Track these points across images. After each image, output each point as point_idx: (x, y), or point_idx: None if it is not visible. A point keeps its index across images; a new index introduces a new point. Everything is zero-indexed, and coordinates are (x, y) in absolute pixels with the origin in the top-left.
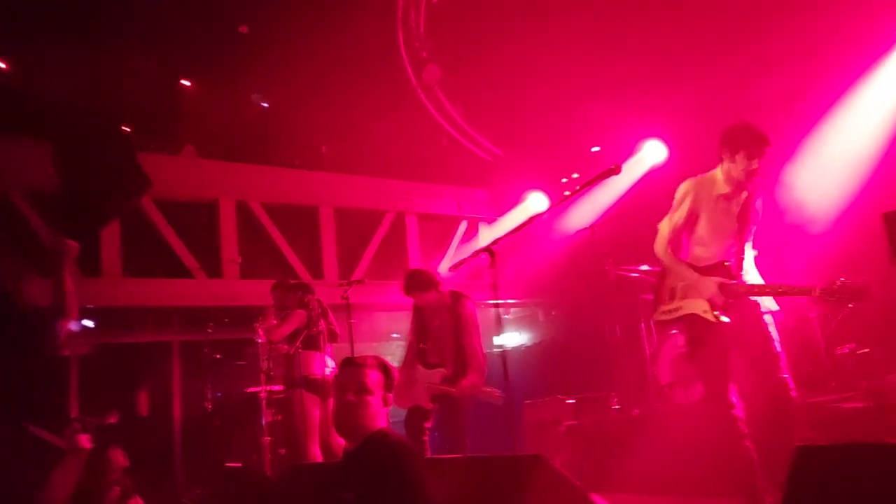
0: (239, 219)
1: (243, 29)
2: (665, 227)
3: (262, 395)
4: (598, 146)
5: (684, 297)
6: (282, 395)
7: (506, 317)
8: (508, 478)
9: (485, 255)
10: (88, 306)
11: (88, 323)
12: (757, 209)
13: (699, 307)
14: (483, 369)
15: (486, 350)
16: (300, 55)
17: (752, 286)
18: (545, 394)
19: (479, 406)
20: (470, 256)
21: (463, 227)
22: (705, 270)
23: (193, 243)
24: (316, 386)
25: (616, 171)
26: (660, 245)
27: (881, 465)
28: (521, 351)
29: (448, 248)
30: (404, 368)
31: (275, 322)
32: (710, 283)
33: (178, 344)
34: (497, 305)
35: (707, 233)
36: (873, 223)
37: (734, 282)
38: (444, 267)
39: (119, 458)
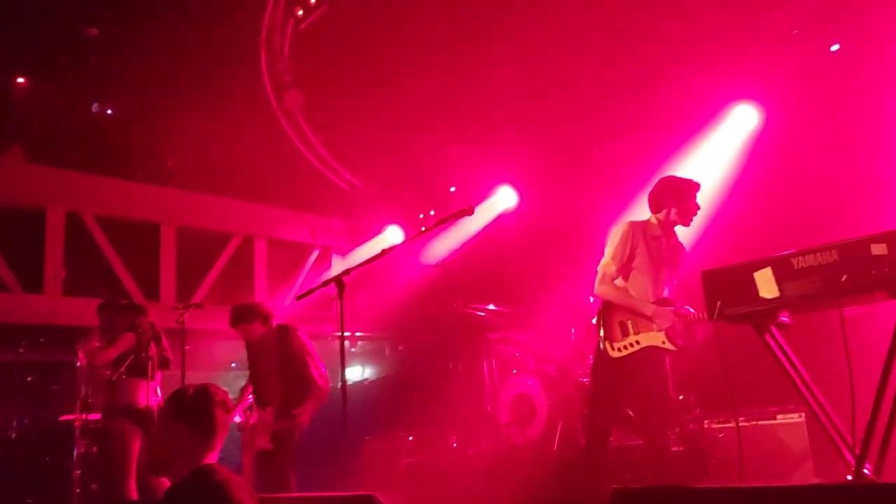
0: (68, 231)
1: (92, 31)
2: (609, 266)
3: (77, 423)
4: (455, 186)
5: (639, 331)
6: (99, 425)
7: (352, 350)
8: None
9: (333, 286)
10: None
11: None
12: (684, 250)
13: (657, 339)
14: (324, 394)
15: (327, 380)
16: (153, 64)
17: (693, 314)
18: (387, 430)
19: (316, 441)
20: (318, 287)
21: (315, 255)
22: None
23: (12, 254)
24: (139, 416)
25: (469, 212)
26: (605, 284)
27: None
28: (365, 385)
29: (298, 276)
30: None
31: (98, 344)
32: (668, 313)
33: None
34: (342, 338)
35: (646, 271)
36: (694, 279)
37: (690, 311)
38: (291, 296)
39: None
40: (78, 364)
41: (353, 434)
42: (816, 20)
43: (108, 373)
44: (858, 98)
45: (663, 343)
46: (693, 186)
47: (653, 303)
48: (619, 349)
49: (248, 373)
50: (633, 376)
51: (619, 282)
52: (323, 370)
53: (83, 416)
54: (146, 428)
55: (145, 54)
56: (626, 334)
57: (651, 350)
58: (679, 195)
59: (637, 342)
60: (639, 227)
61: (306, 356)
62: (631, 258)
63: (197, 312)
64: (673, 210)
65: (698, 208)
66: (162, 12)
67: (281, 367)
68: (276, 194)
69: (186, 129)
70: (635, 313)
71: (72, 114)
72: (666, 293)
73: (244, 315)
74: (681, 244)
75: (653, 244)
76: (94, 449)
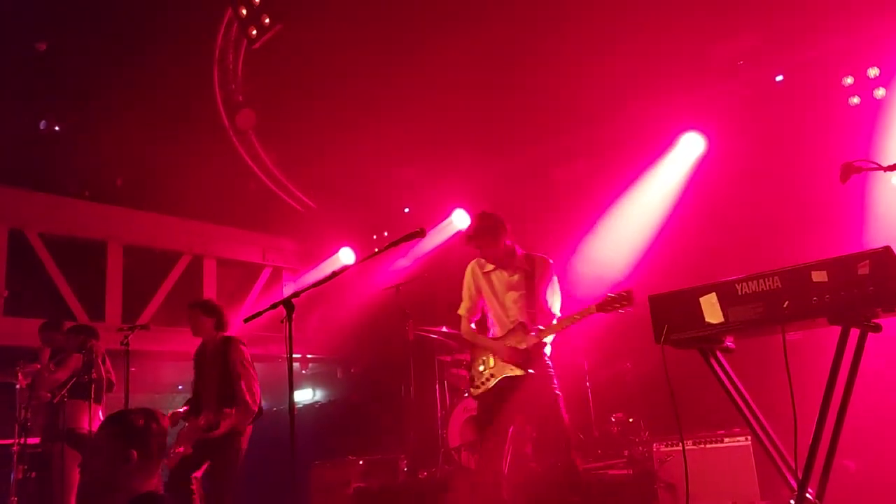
0: (11, 249)
1: (41, 46)
2: (462, 307)
3: (15, 448)
4: (408, 208)
5: (495, 364)
6: (39, 450)
7: (303, 372)
8: None
9: (282, 308)
10: None
11: None
12: (540, 262)
13: (506, 369)
14: (251, 410)
15: (275, 407)
16: (103, 81)
17: (542, 329)
18: (337, 454)
19: (263, 466)
20: (266, 309)
21: (266, 275)
22: (508, 335)
23: None
24: (81, 441)
25: (422, 234)
26: (463, 326)
27: None
28: (316, 408)
29: (248, 296)
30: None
31: (39, 367)
32: (500, 345)
33: None
34: (291, 360)
35: (492, 304)
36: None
37: (531, 333)
38: (240, 317)
39: None
40: (17, 386)
41: (302, 458)
42: (761, 52)
43: (49, 395)
44: (801, 127)
45: (512, 370)
46: (494, 222)
47: (504, 333)
48: (477, 386)
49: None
50: (498, 407)
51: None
52: (255, 388)
53: (21, 440)
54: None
55: (95, 70)
56: (486, 368)
57: (506, 381)
58: (496, 232)
59: (492, 375)
60: (477, 265)
61: (240, 370)
62: (479, 296)
63: (142, 333)
64: (492, 246)
65: (505, 244)
66: (112, 28)
67: (219, 377)
68: (227, 213)
69: (135, 146)
70: (486, 348)
71: (18, 130)
72: (520, 316)
73: (208, 308)
74: (534, 258)
75: (488, 277)
76: (33, 474)
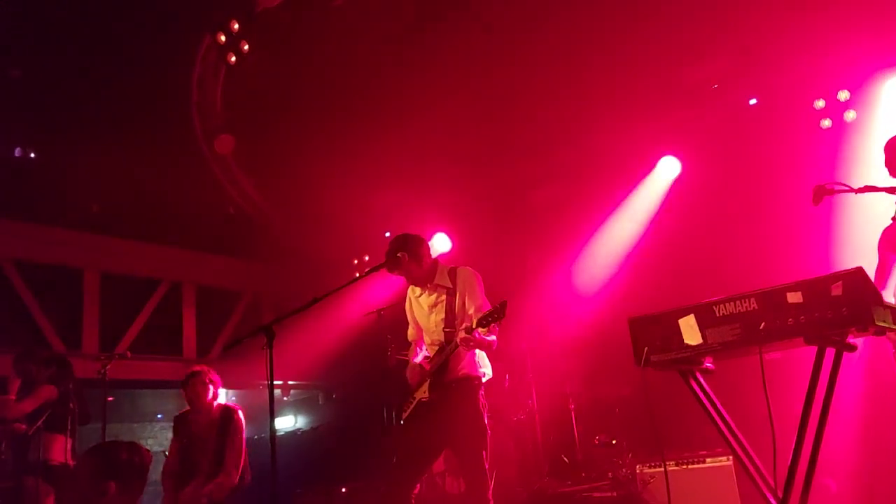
0: None
1: (16, 73)
2: (408, 335)
3: None
4: (389, 232)
5: (415, 389)
6: (11, 484)
7: (285, 399)
8: None
9: (262, 335)
10: None
11: None
12: (459, 291)
13: (419, 394)
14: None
15: (256, 435)
16: (79, 107)
17: (434, 357)
18: (319, 481)
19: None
20: (247, 336)
21: (245, 302)
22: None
23: None
24: (54, 474)
25: (402, 259)
26: (410, 352)
27: None
28: (297, 436)
29: (228, 323)
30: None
31: (13, 397)
32: (411, 366)
33: None
34: (272, 387)
35: (420, 328)
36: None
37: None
38: (221, 343)
39: None
40: None
41: (284, 486)
42: (735, 75)
43: (24, 427)
44: (774, 149)
45: (424, 394)
46: (404, 245)
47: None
48: (405, 411)
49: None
50: (413, 434)
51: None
52: (243, 459)
53: None
54: (59, 486)
55: (71, 96)
56: (414, 392)
57: (421, 405)
58: (421, 252)
59: (413, 398)
60: (410, 290)
61: (240, 441)
62: (413, 321)
63: (120, 362)
64: (415, 267)
65: (425, 264)
66: (89, 53)
67: (218, 447)
68: (205, 240)
69: (112, 172)
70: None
71: None
72: (442, 338)
73: (209, 381)
74: (457, 271)
75: (417, 301)
76: None
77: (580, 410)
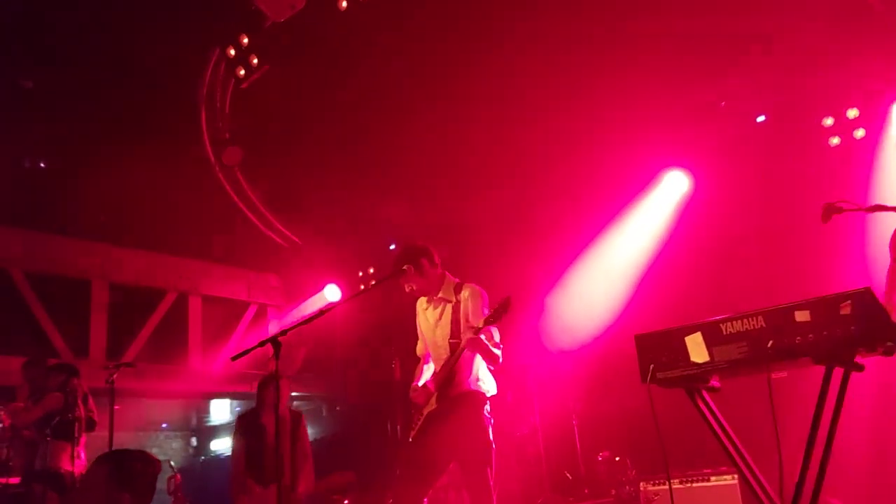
0: None
1: (27, 83)
2: (417, 349)
3: None
4: (394, 244)
5: (422, 407)
6: (18, 490)
7: None
8: None
9: (269, 346)
10: None
11: None
12: (464, 306)
13: (426, 408)
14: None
15: None
16: (88, 118)
17: (439, 370)
18: (322, 493)
19: None
20: (254, 347)
21: (251, 313)
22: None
23: None
24: (60, 481)
25: (408, 271)
26: (418, 368)
27: None
28: None
29: (234, 334)
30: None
31: (22, 405)
32: (415, 392)
33: None
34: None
35: (429, 342)
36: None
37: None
38: (226, 355)
39: None
40: (1, 425)
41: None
42: (743, 92)
43: (32, 434)
44: (782, 166)
45: (433, 406)
46: (411, 256)
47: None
48: (413, 427)
49: (179, 434)
50: (421, 447)
51: None
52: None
53: (3, 480)
54: (65, 494)
55: (81, 107)
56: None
57: (428, 417)
58: (429, 261)
59: (422, 413)
60: (418, 303)
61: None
62: (421, 335)
63: (128, 371)
64: (421, 279)
65: (432, 276)
66: (100, 65)
67: (293, 449)
68: (212, 250)
69: (121, 183)
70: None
71: (2, 167)
72: (447, 353)
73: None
74: (463, 287)
75: (424, 314)
76: None
77: (583, 426)
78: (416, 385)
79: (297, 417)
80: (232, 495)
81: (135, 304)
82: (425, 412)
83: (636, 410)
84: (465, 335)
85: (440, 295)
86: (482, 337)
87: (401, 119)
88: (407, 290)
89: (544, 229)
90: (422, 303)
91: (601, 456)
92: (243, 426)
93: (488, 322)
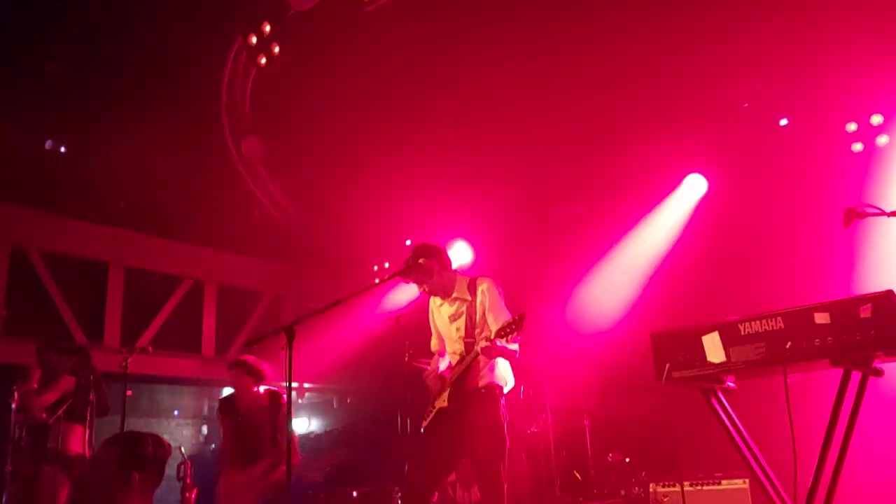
0: (12, 266)
1: (50, 67)
2: (431, 344)
3: (8, 468)
4: (410, 239)
5: (436, 397)
6: (28, 472)
7: (300, 401)
8: None
9: (282, 335)
10: None
11: None
12: (479, 301)
13: (442, 401)
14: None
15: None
16: (110, 103)
17: (455, 366)
18: (332, 485)
19: None
20: (267, 334)
21: (266, 302)
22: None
23: None
24: (70, 464)
25: (422, 265)
26: (432, 362)
27: None
28: (311, 438)
29: (248, 323)
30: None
31: (35, 386)
32: (431, 373)
33: None
34: (290, 389)
35: (442, 337)
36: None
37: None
38: (240, 343)
39: None
40: (13, 406)
41: (297, 488)
42: (766, 96)
43: (44, 416)
44: (804, 171)
45: (444, 402)
46: (423, 254)
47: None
48: (425, 419)
49: (191, 422)
50: (432, 442)
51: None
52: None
53: (15, 460)
54: (76, 475)
55: (103, 92)
56: (433, 402)
57: (440, 413)
58: (417, 266)
59: (434, 406)
60: (432, 300)
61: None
62: (436, 331)
63: (141, 357)
64: (436, 279)
65: (443, 274)
66: (121, 52)
67: (272, 430)
68: (229, 240)
69: (141, 169)
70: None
71: (24, 150)
72: (462, 349)
73: (253, 371)
74: (475, 282)
75: (439, 310)
76: (19, 496)
77: (595, 426)
78: (433, 369)
79: (275, 397)
80: (214, 477)
81: (150, 291)
82: (437, 405)
83: (648, 412)
84: (480, 342)
85: (454, 294)
86: (497, 342)
87: (418, 114)
88: (420, 290)
89: (561, 228)
90: (434, 300)
91: (611, 457)
92: (222, 410)
93: (500, 335)
